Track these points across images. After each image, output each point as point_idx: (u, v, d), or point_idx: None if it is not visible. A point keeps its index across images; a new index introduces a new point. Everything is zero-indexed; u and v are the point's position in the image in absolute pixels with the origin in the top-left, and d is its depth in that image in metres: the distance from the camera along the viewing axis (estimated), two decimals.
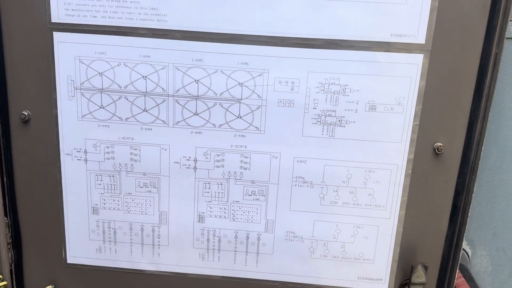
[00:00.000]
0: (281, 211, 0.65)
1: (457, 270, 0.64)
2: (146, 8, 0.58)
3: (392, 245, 0.65)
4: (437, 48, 0.57)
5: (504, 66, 0.64)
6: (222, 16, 0.58)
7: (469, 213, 0.68)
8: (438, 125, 0.60)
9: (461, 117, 0.59)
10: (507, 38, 0.62)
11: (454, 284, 0.65)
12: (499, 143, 0.67)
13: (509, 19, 0.60)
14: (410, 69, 0.58)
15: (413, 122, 0.60)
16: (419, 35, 0.57)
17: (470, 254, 0.72)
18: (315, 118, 0.61)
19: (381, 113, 0.60)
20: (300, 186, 0.64)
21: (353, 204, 0.64)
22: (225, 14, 0.58)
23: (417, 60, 0.58)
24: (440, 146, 0.60)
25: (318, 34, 0.58)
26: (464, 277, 0.69)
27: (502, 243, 0.71)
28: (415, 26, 0.57)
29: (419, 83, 0.59)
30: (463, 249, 0.72)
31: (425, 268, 0.63)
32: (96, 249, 0.68)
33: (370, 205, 0.64)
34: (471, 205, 0.61)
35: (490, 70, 0.57)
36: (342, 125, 0.61)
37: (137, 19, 0.59)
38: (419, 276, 0.63)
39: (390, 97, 0.60)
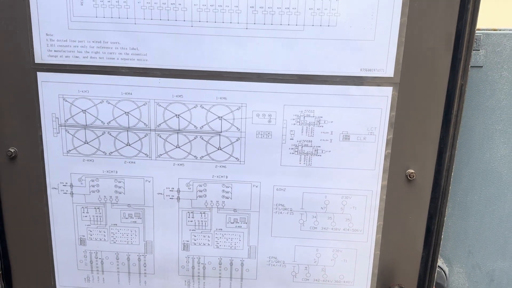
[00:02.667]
0: (263, 237, 0.67)
1: None
2: (126, 48, 0.61)
3: (370, 267, 0.67)
4: (405, 81, 0.60)
5: (471, 93, 0.67)
6: (201, 54, 0.60)
7: (445, 233, 0.72)
8: (409, 153, 0.63)
9: (431, 145, 0.62)
10: (473, 66, 0.65)
11: None
12: (470, 166, 0.70)
13: (473, 48, 0.63)
14: (381, 101, 0.61)
15: (385, 150, 0.63)
16: (388, 69, 0.60)
17: (447, 272, 0.75)
18: (292, 148, 0.64)
19: (355, 142, 0.63)
20: (281, 213, 0.66)
21: (332, 229, 0.66)
22: (203, 52, 0.60)
23: (387, 93, 0.61)
24: (412, 173, 0.63)
25: (292, 70, 0.61)
26: None
27: (478, 260, 0.74)
28: (384, 60, 0.59)
29: (389, 113, 0.61)
30: (440, 267, 0.74)
31: None
32: (85, 279, 0.70)
33: (348, 230, 0.66)
34: (445, 225, 0.64)
35: (456, 100, 0.60)
36: (318, 154, 0.64)
37: (118, 59, 0.61)
38: None
39: (363, 127, 0.62)
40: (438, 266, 0.71)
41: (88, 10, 0.59)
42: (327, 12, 0.58)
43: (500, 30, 0.66)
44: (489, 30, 0.66)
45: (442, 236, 0.65)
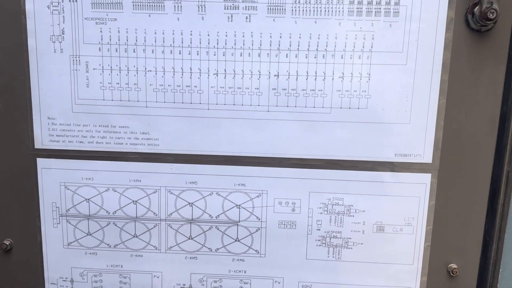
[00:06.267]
0: None
1: None
2: (136, 133, 0.55)
3: None
4: (446, 167, 0.54)
5: None
6: (217, 138, 0.55)
7: None
8: (451, 245, 0.56)
9: (475, 237, 0.56)
10: None
11: None
12: None
13: None
14: (418, 189, 0.55)
15: (425, 243, 0.56)
16: (426, 154, 0.54)
17: None
18: (319, 240, 0.57)
19: (390, 234, 0.56)
20: None
21: None
22: (220, 136, 0.55)
23: (425, 180, 0.55)
24: (455, 268, 0.56)
25: (318, 155, 0.55)
26: None
27: None
28: (421, 145, 0.54)
29: (429, 202, 0.55)
30: None
31: None
32: None
33: None
34: None
35: (503, 188, 0.53)
36: (348, 247, 0.57)
37: (127, 144, 0.56)
38: None
39: (399, 217, 0.56)
40: None
41: (94, 92, 0.54)
42: (357, 94, 0.53)
43: None
44: None
45: None
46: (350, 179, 0.55)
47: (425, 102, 0.53)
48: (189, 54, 0.53)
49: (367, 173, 0.55)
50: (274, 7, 0.51)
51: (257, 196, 0.57)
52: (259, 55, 0.53)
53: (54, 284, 0.60)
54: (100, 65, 0.54)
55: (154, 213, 0.58)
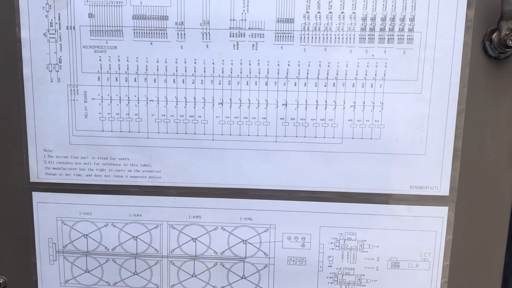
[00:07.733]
0: None
1: None
2: (137, 165, 0.53)
3: None
4: (463, 200, 0.51)
5: None
6: (223, 170, 0.52)
7: None
8: (469, 282, 0.53)
9: (495, 273, 0.53)
10: None
11: None
12: None
13: None
14: (435, 223, 0.52)
15: (442, 279, 0.53)
16: (442, 187, 0.51)
17: None
18: (331, 277, 0.54)
19: (405, 270, 0.53)
20: None
21: None
22: (225, 168, 0.52)
23: (442, 213, 0.52)
24: None
25: (328, 187, 0.52)
26: None
27: None
28: (437, 177, 0.51)
29: (446, 237, 0.52)
30: None
31: None
32: None
33: None
34: None
35: None
36: (362, 284, 0.54)
37: (127, 177, 0.53)
38: None
39: (414, 252, 0.53)
40: None
41: (93, 123, 0.52)
42: (369, 124, 0.50)
43: None
44: None
45: None
46: (363, 212, 0.53)
47: (441, 132, 0.50)
48: (193, 83, 0.51)
49: (381, 206, 0.52)
50: (282, 35, 0.49)
51: (265, 231, 0.54)
52: (266, 83, 0.50)
53: None
54: (99, 95, 0.51)
55: (156, 249, 0.55)
